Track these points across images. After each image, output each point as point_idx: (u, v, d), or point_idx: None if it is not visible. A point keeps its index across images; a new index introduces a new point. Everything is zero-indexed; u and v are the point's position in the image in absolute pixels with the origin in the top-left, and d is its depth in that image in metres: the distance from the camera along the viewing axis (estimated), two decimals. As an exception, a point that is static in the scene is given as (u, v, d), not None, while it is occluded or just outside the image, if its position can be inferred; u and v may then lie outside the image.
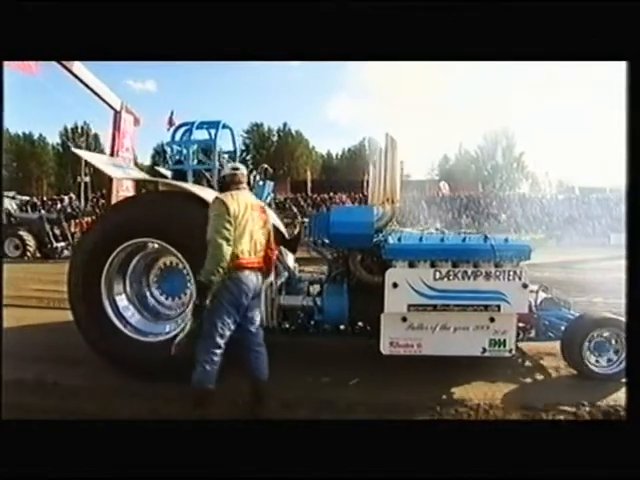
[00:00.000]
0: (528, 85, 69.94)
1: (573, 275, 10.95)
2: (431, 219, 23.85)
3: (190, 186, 4.46)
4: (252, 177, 5.32)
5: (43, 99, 61.31)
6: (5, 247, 15.86)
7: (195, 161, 5.04)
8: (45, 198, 29.21)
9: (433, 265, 3.94)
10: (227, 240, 3.12)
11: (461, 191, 32.24)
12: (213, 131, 5.14)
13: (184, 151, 5.03)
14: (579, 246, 18.74)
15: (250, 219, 3.31)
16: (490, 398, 3.79)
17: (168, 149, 5.25)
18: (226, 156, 5.32)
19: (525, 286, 3.85)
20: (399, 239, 4.23)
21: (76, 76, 10.44)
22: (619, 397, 3.69)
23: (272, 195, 5.49)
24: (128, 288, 4.63)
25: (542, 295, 4.62)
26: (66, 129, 50.09)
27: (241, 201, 3.29)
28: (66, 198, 26.59)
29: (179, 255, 4.19)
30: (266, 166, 5.42)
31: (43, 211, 21.86)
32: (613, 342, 4.08)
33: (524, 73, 62.79)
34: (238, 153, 5.88)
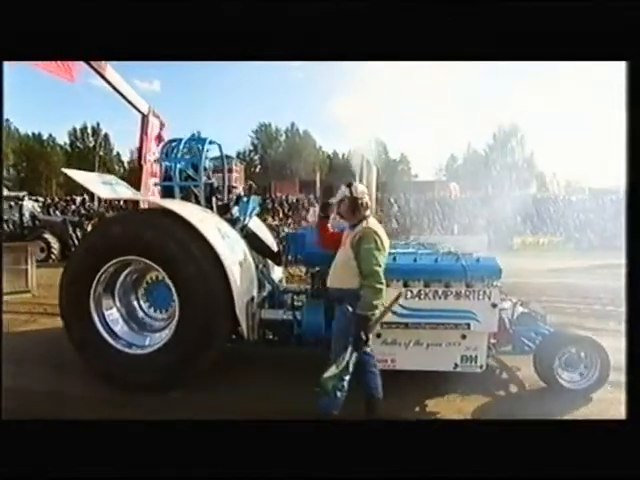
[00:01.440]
0: (528, 85, 69.55)
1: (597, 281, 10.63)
2: (446, 221, 23.74)
3: (169, 203, 4.49)
4: (238, 193, 5.37)
5: (53, 99, 62.05)
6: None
7: (184, 177, 5.06)
8: (57, 198, 29.34)
9: (405, 284, 3.95)
10: (383, 273, 3.22)
11: (471, 192, 31.96)
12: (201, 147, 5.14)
13: (172, 166, 5.05)
14: (599, 249, 18.12)
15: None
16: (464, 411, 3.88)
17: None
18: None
19: (494, 305, 3.89)
20: None
21: (107, 80, 10.38)
22: (618, 398, 3.67)
23: (257, 210, 5.54)
24: (117, 302, 4.70)
25: (519, 310, 4.65)
26: (75, 129, 50.65)
27: (384, 232, 3.38)
28: (78, 199, 26.61)
29: (161, 271, 4.23)
30: (251, 182, 5.52)
31: (57, 212, 21.87)
32: (583, 358, 4.14)
33: (524, 73, 62.45)
34: (226, 167, 5.95)
